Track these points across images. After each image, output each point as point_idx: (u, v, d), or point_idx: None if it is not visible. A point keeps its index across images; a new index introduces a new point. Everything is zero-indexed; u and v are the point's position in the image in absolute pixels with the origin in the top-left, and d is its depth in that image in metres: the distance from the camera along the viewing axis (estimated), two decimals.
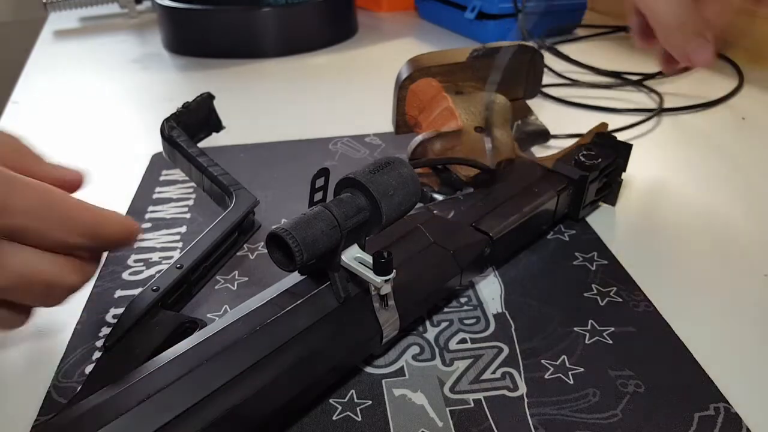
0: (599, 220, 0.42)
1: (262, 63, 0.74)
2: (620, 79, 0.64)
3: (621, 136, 0.47)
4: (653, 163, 0.50)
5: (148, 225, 0.42)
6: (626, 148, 0.40)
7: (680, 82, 0.65)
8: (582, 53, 0.72)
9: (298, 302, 0.26)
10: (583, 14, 0.82)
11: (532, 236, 0.38)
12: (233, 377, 0.23)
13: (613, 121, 0.56)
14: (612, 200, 0.42)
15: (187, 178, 0.48)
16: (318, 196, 0.26)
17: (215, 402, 0.22)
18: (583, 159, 0.38)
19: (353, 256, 0.26)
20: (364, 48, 0.78)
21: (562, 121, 0.55)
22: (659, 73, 0.64)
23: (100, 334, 0.33)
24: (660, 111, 0.58)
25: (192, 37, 0.77)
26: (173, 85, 0.69)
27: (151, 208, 0.44)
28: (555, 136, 0.50)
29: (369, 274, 0.26)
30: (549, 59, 0.70)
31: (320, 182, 0.26)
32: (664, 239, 0.40)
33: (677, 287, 0.36)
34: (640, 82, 0.64)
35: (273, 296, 0.27)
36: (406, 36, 0.82)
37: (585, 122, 0.55)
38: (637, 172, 0.48)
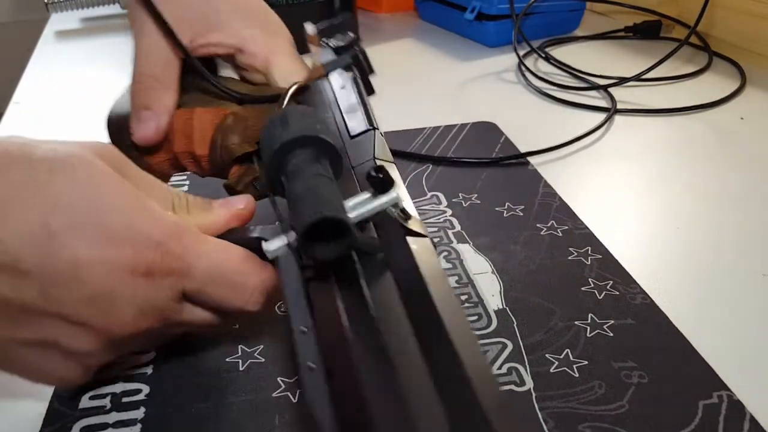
0: (593, 216, 0.42)
1: None
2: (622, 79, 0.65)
3: (626, 134, 0.47)
4: (651, 163, 0.50)
5: None
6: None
7: (679, 85, 0.66)
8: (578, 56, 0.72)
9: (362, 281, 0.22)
10: (581, 15, 0.83)
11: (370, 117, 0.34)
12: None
13: (614, 121, 0.57)
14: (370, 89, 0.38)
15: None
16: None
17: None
18: (332, 44, 0.39)
19: (351, 207, 0.24)
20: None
21: (569, 122, 0.56)
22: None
23: None
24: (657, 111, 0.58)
25: None
26: None
27: None
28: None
29: (381, 200, 0.24)
30: (548, 66, 0.71)
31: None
32: (661, 237, 0.41)
33: (674, 284, 0.36)
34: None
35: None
36: (405, 37, 0.82)
37: (583, 122, 0.55)
38: (636, 171, 0.49)
